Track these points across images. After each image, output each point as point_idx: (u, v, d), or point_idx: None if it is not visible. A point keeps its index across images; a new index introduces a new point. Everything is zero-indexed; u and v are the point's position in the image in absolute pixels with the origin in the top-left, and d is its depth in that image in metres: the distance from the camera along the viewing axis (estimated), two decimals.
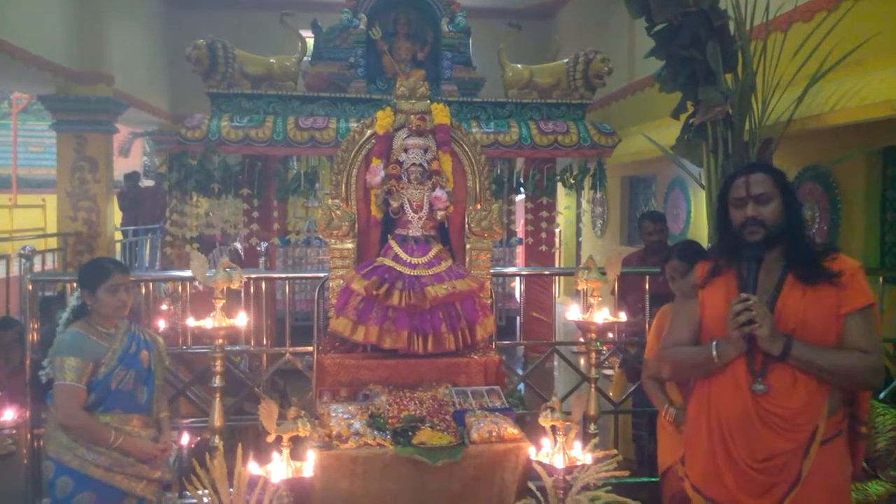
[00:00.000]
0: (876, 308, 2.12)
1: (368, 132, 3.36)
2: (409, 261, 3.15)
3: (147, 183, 13.07)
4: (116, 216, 9.77)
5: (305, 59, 6.95)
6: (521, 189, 6.94)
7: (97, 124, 8.51)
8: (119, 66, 8.88)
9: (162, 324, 5.59)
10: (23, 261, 3.72)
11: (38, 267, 6.84)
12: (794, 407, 2.07)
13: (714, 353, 2.15)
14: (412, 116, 3.26)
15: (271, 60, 6.54)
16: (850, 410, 2.21)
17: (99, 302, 2.74)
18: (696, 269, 2.35)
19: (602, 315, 3.15)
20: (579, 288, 3.24)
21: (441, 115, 3.35)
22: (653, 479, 3.44)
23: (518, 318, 6.98)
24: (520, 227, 8.63)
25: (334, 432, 2.70)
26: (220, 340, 2.94)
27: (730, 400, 2.14)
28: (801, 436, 2.07)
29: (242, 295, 3.72)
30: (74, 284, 2.97)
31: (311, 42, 7.41)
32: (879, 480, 3.35)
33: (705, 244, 3.87)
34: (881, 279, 4.06)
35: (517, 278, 6.77)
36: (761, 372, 2.10)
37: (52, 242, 8.54)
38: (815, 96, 4.19)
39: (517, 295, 7.34)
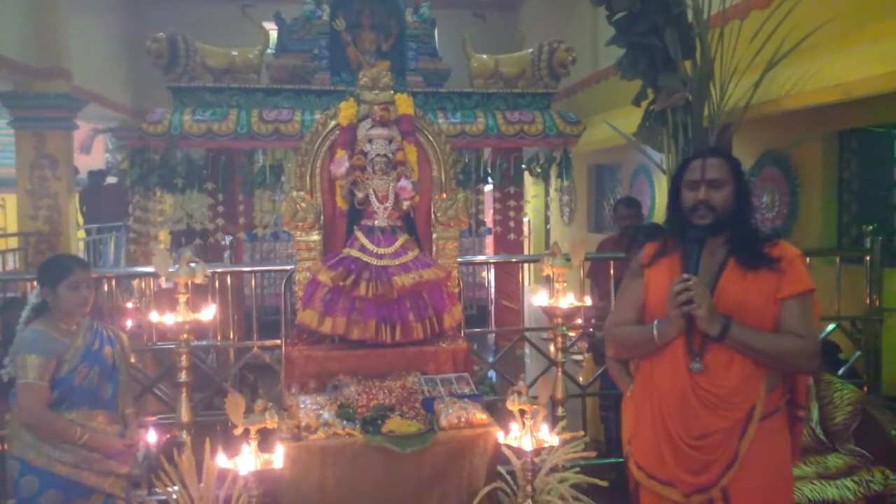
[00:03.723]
0: (815, 295, 2.15)
1: (332, 123, 3.35)
2: (375, 251, 3.16)
3: (110, 180, 12.83)
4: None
5: (268, 51, 6.88)
6: (489, 179, 6.97)
7: (56, 121, 8.31)
8: (77, 60, 8.68)
9: (129, 322, 5.52)
10: None
11: None
12: (729, 386, 2.11)
13: (655, 332, 2.19)
14: (376, 107, 3.26)
15: (233, 53, 6.46)
16: (789, 395, 2.24)
17: (60, 299, 2.70)
18: (642, 250, 2.39)
19: (567, 300, 3.19)
20: (545, 273, 3.28)
21: (405, 105, 3.35)
22: (620, 460, 3.51)
23: (487, 306, 7.04)
24: (488, 217, 8.67)
25: (303, 423, 2.70)
26: (186, 335, 2.93)
27: (668, 378, 2.18)
28: (736, 415, 2.11)
29: (209, 290, 3.69)
30: (36, 283, 2.92)
31: (274, 34, 7.33)
32: (838, 453, 3.46)
33: None
34: (838, 259, 4.18)
35: (486, 268, 6.82)
36: (699, 351, 2.14)
37: (14, 242, 8.35)
38: (771, 81, 4.27)
39: (487, 284, 7.39)
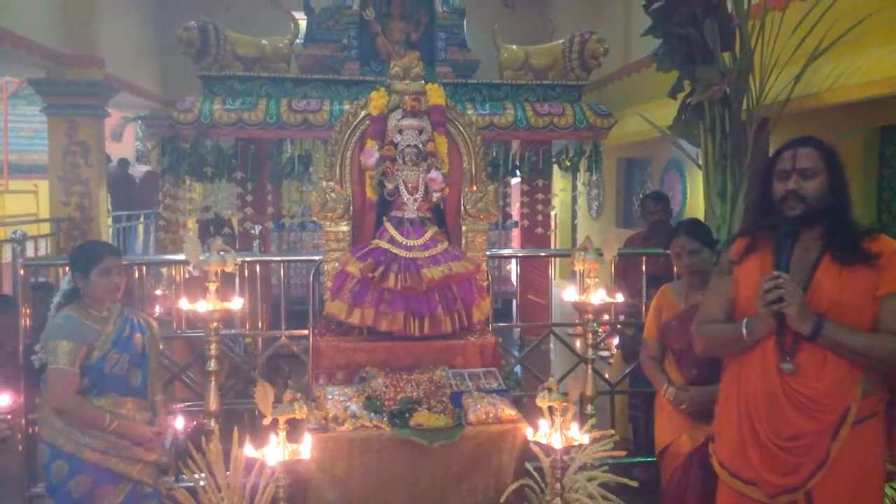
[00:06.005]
0: None
1: (362, 113, 3.32)
2: (404, 243, 3.13)
3: (141, 168, 12.98)
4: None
5: (298, 40, 6.87)
6: (517, 171, 6.91)
7: (88, 108, 8.41)
8: (110, 48, 8.77)
9: (158, 309, 5.58)
10: (14, 245, 3.68)
11: (31, 253, 6.79)
12: (821, 388, 2.04)
13: (744, 330, 2.13)
14: (406, 97, 3.22)
15: (263, 42, 6.46)
16: (891, 396, 2.15)
17: (91, 285, 2.71)
18: (732, 246, 2.32)
19: (599, 296, 3.14)
20: (576, 269, 3.23)
21: (436, 95, 3.31)
22: (649, 459, 3.45)
23: (514, 301, 6.99)
24: (515, 211, 8.60)
25: (331, 415, 2.69)
26: (215, 324, 2.92)
27: (757, 378, 2.12)
28: (828, 417, 2.04)
29: (237, 279, 3.70)
30: (67, 269, 2.93)
31: (303, 23, 7.33)
32: None
33: None
34: None
35: (513, 261, 6.77)
36: (791, 351, 2.07)
37: (45, 228, 8.48)
38: (813, 75, 4.16)
39: (513, 278, 7.33)
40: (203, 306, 2.87)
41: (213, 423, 2.97)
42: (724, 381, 2.31)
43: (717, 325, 2.28)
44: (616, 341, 4.74)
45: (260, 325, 4.11)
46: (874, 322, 2.04)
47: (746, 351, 2.16)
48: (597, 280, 3.17)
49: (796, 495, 2.08)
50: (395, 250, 3.09)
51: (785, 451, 2.07)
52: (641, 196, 7.64)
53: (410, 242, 3.13)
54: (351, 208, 3.29)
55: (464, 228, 3.37)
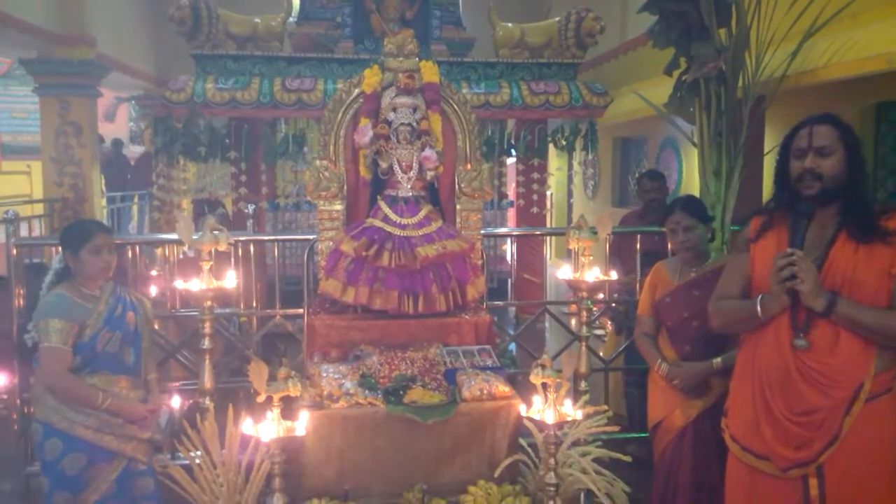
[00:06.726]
0: None
1: (356, 91, 3.30)
2: (398, 221, 3.12)
3: (136, 149, 12.90)
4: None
5: (291, 19, 6.81)
6: (513, 151, 6.88)
7: (80, 88, 8.34)
8: (101, 27, 8.67)
9: (154, 290, 5.58)
10: (7, 226, 3.67)
11: (24, 233, 6.76)
12: (835, 364, 2.05)
13: (758, 307, 2.14)
14: (400, 74, 3.20)
15: (256, 20, 6.40)
16: None
17: (82, 263, 2.70)
18: (749, 223, 2.33)
19: (593, 274, 3.14)
20: (571, 247, 3.23)
21: (430, 73, 3.28)
22: (642, 435, 3.48)
23: (509, 280, 7.00)
24: (511, 190, 8.58)
25: (325, 392, 2.70)
26: (209, 302, 2.92)
27: (772, 354, 2.14)
28: (841, 393, 2.05)
29: (232, 259, 3.69)
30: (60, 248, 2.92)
31: (296, 1, 7.26)
32: None
33: None
34: None
35: (509, 241, 6.77)
36: (804, 328, 2.09)
37: (39, 209, 8.44)
38: (809, 51, 4.13)
39: (508, 257, 7.34)
40: (197, 285, 2.87)
41: (208, 401, 2.98)
42: (739, 357, 2.33)
43: (732, 301, 2.30)
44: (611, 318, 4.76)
45: (255, 304, 4.12)
46: (890, 299, 2.05)
47: (761, 328, 2.18)
48: (591, 258, 3.18)
49: (808, 469, 2.10)
50: (389, 229, 3.08)
51: (798, 425, 2.10)
52: (637, 175, 7.63)
53: (404, 221, 3.12)
54: (345, 187, 3.28)
55: (458, 207, 3.36)
